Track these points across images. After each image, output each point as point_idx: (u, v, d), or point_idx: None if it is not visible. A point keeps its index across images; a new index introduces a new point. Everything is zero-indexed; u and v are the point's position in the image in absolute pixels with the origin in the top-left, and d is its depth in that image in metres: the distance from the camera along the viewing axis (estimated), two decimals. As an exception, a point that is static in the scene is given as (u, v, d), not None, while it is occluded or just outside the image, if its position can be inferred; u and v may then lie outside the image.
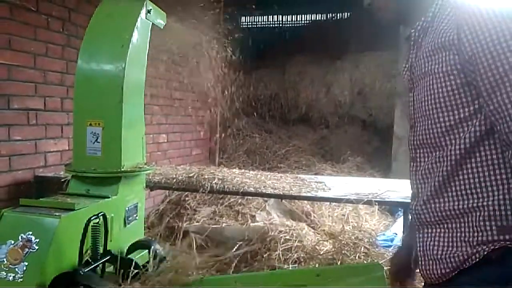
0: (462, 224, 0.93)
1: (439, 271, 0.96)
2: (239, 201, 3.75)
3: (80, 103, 1.89)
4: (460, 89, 0.92)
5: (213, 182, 2.81)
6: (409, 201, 1.14)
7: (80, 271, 1.44)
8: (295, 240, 2.92)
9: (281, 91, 6.37)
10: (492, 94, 0.84)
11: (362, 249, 2.61)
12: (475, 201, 0.91)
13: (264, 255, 2.84)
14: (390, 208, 3.88)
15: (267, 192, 2.76)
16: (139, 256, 1.82)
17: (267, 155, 5.79)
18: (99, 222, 1.56)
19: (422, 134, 1.01)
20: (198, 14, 3.39)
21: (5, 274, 1.42)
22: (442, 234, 0.97)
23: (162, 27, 2.13)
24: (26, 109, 2.73)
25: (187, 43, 3.16)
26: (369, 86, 5.87)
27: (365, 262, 2.48)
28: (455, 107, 0.93)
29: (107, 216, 1.62)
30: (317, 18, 7.41)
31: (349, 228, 3.18)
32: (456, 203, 0.93)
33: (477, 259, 0.89)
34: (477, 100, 0.90)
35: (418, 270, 1.06)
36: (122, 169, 1.83)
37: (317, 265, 2.54)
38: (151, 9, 1.95)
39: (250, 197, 3.58)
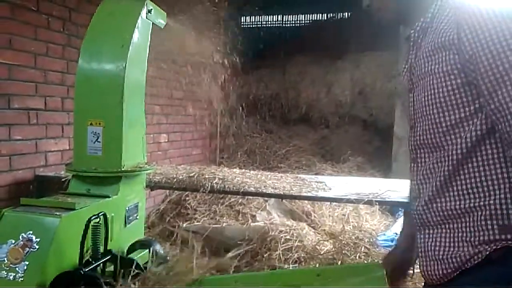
0: (464, 224, 0.93)
1: (440, 272, 0.95)
2: (240, 201, 3.76)
3: (80, 102, 1.89)
4: (461, 89, 0.92)
5: (214, 182, 2.81)
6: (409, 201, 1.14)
7: (81, 271, 1.44)
8: (296, 240, 2.93)
9: (281, 91, 6.37)
10: (493, 93, 0.84)
11: (363, 249, 2.61)
12: (477, 200, 0.91)
13: (265, 255, 2.84)
14: (390, 208, 3.88)
15: (267, 192, 2.76)
16: (139, 256, 1.82)
17: (268, 155, 5.80)
18: (100, 222, 1.56)
19: (423, 134, 1.01)
20: (198, 14, 3.40)
21: (5, 273, 1.42)
22: (443, 235, 0.96)
23: (162, 27, 2.13)
24: (27, 108, 2.73)
25: (188, 43, 3.16)
26: (369, 86, 5.86)
27: (365, 262, 2.48)
28: (455, 106, 0.93)
29: (108, 216, 1.62)
30: (318, 18, 7.41)
31: (350, 228, 3.19)
32: (458, 202, 0.93)
33: (479, 259, 0.89)
34: (478, 99, 0.90)
35: (419, 271, 1.06)
36: (123, 169, 1.83)
37: (317, 265, 2.54)
38: (151, 9, 1.95)
39: (251, 197, 3.58)
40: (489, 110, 0.86)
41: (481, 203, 0.90)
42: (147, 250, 1.84)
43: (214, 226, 3.42)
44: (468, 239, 0.92)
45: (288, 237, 2.96)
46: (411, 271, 1.28)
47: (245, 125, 6.17)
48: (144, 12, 1.91)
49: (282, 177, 3.15)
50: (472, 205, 0.91)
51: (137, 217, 1.99)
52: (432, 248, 0.98)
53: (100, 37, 1.89)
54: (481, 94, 0.88)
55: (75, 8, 3.07)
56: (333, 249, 2.69)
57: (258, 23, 7.54)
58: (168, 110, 4.40)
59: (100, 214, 1.57)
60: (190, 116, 4.88)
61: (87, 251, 1.53)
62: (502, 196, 0.88)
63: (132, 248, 1.85)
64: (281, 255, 2.79)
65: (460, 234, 0.93)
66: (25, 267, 1.41)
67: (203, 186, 2.78)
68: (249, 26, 7.34)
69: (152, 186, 2.87)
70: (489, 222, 0.88)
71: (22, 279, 1.40)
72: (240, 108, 5.50)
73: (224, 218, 3.63)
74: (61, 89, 2.99)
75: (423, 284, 1.07)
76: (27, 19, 2.70)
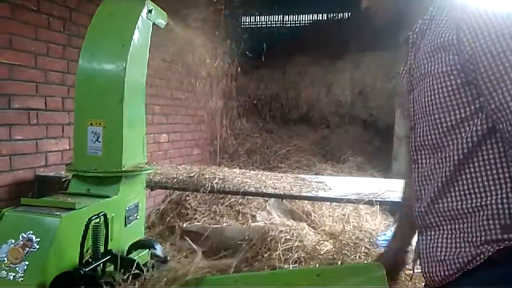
0: (466, 225, 0.92)
1: (442, 273, 0.95)
2: (240, 201, 3.76)
3: (81, 102, 1.89)
4: (461, 89, 0.92)
5: (214, 182, 2.82)
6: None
7: (81, 271, 1.44)
8: (296, 240, 2.92)
9: (281, 91, 6.38)
10: (494, 93, 0.84)
11: (363, 249, 2.61)
12: (479, 200, 0.90)
13: (265, 255, 2.84)
14: (390, 208, 3.87)
15: (267, 192, 2.76)
16: (139, 256, 1.82)
17: (268, 155, 5.80)
18: (100, 222, 1.56)
19: (423, 135, 1.00)
20: (198, 14, 3.40)
21: (5, 273, 1.42)
22: (445, 235, 0.96)
23: (163, 27, 2.13)
24: (27, 108, 2.73)
25: (188, 43, 3.16)
26: (370, 86, 5.87)
27: (365, 262, 2.47)
28: (456, 107, 0.92)
29: (108, 216, 1.62)
30: (318, 18, 7.41)
31: (350, 228, 3.18)
32: (460, 203, 0.93)
33: (482, 260, 0.89)
34: (478, 99, 0.90)
35: (419, 271, 1.06)
36: (123, 169, 1.83)
37: (317, 265, 2.53)
38: (152, 9, 1.95)
39: (251, 197, 3.58)
40: (490, 110, 0.86)
41: (483, 203, 0.90)
42: (147, 250, 1.84)
43: (214, 226, 3.41)
44: (470, 239, 0.91)
45: (288, 237, 2.95)
46: (404, 272, 1.28)
47: (245, 125, 6.18)
48: (144, 12, 1.91)
49: (282, 177, 3.15)
50: (474, 205, 0.91)
51: (137, 217, 1.99)
52: (434, 249, 0.97)
53: (101, 37, 1.89)
54: (481, 93, 0.88)
55: (75, 8, 3.07)
56: (333, 249, 2.69)
57: (258, 23, 7.54)
58: (168, 110, 4.41)
59: (100, 214, 1.57)
60: (191, 116, 4.88)
61: (87, 251, 1.53)
62: (504, 195, 0.87)
63: (133, 248, 1.85)
64: (281, 255, 2.78)
65: (462, 235, 0.93)
66: (25, 267, 1.42)
67: (203, 186, 2.78)
68: (249, 26, 7.34)
69: (152, 186, 2.87)
70: (491, 221, 0.88)
71: (22, 279, 1.41)
72: (241, 108, 5.50)
73: (224, 218, 3.63)
74: (61, 89, 2.99)
75: (423, 284, 1.07)
76: (27, 19, 2.70)
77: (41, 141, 2.85)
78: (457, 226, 0.94)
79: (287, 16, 7.55)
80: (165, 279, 1.54)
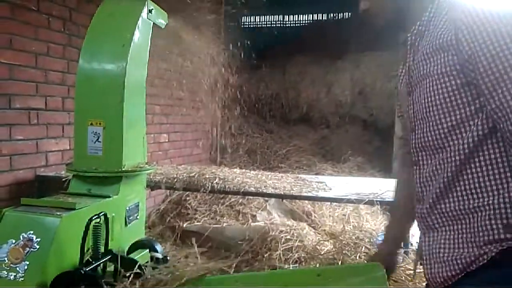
0: (468, 225, 0.92)
1: (445, 274, 0.95)
2: (240, 201, 3.76)
3: (81, 102, 1.89)
4: (460, 89, 0.92)
5: (214, 182, 2.82)
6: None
7: (81, 271, 1.44)
8: (296, 240, 2.92)
9: (281, 91, 6.38)
10: (494, 92, 0.84)
11: (363, 249, 2.61)
12: (480, 200, 0.90)
13: (265, 255, 2.84)
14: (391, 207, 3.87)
15: (268, 192, 2.76)
16: (139, 256, 1.82)
17: (268, 155, 5.80)
18: (100, 222, 1.56)
19: (424, 136, 1.00)
20: (198, 14, 3.39)
21: (6, 273, 1.42)
22: (448, 236, 0.96)
23: (163, 27, 2.13)
24: (28, 108, 2.73)
25: (188, 43, 3.16)
26: (370, 86, 5.87)
27: (365, 262, 2.47)
28: (456, 107, 0.92)
29: (108, 216, 1.62)
30: (318, 18, 7.41)
31: (350, 228, 3.18)
32: (462, 203, 0.93)
33: (485, 261, 0.88)
34: (478, 99, 0.90)
35: (419, 271, 1.06)
36: (123, 169, 1.83)
37: (317, 265, 2.53)
38: (152, 9, 1.95)
39: (251, 197, 3.58)
40: (490, 110, 0.86)
41: (485, 203, 0.90)
42: (148, 250, 1.84)
43: (214, 226, 3.42)
44: (472, 239, 0.91)
45: (288, 237, 2.95)
46: (404, 272, 1.28)
47: (246, 125, 6.18)
48: (144, 12, 1.91)
49: (282, 177, 3.15)
50: (476, 205, 0.91)
51: (138, 217, 1.99)
52: (437, 250, 0.97)
53: (101, 37, 1.89)
54: (481, 93, 0.88)
55: (75, 8, 3.07)
56: (334, 249, 2.69)
57: (258, 23, 7.54)
58: (169, 110, 4.41)
59: (100, 214, 1.57)
60: (191, 116, 4.88)
61: (87, 251, 1.53)
62: (506, 194, 0.87)
63: (133, 248, 1.85)
64: (281, 255, 2.78)
65: (464, 235, 0.93)
66: (26, 267, 1.41)
67: (204, 186, 2.78)
68: (249, 26, 7.34)
69: (152, 186, 2.87)
70: (493, 221, 0.88)
71: (22, 279, 1.40)
72: (241, 108, 5.50)
73: (225, 218, 3.63)
74: (61, 89, 2.99)
75: (424, 284, 1.07)
76: (27, 19, 2.70)
77: (41, 141, 2.85)
78: (459, 226, 0.94)
79: (287, 16, 7.55)
80: (165, 279, 1.54)
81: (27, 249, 1.44)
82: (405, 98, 1.11)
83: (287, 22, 7.61)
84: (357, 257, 2.54)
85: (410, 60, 1.07)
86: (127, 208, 1.89)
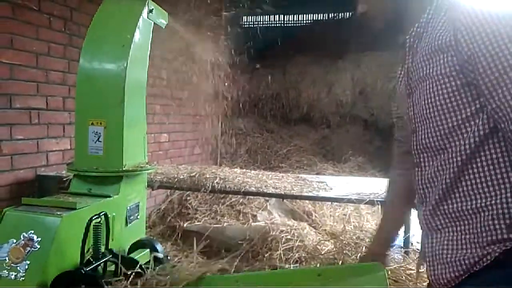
0: (471, 226, 0.92)
1: (448, 275, 0.94)
2: (241, 200, 3.75)
3: (82, 102, 1.89)
4: (460, 90, 0.91)
5: (215, 181, 2.82)
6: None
7: (82, 270, 1.44)
8: (297, 240, 2.92)
9: (282, 91, 6.38)
10: (494, 92, 0.84)
11: (364, 249, 2.60)
12: (483, 200, 0.90)
13: (265, 255, 2.84)
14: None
15: (268, 192, 2.76)
16: (140, 256, 1.83)
17: (269, 154, 5.80)
18: (101, 222, 1.56)
19: (425, 138, 1.00)
20: (199, 13, 3.40)
21: (7, 272, 1.42)
22: (451, 237, 0.95)
23: (164, 27, 2.13)
24: (28, 108, 2.73)
25: (189, 43, 3.16)
26: (370, 86, 5.87)
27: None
28: (456, 108, 0.92)
29: (109, 216, 1.62)
30: (318, 18, 7.41)
31: (351, 228, 3.17)
32: (464, 203, 0.93)
33: (488, 261, 0.88)
34: (478, 100, 0.90)
35: (421, 271, 1.06)
36: (124, 169, 1.83)
37: (318, 265, 2.53)
38: (153, 9, 1.95)
39: (252, 197, 3.58)
40: (491, 110, 0.86)
41: (487, 203, 0.89)
42: (148, 250, 1.84)
43: (215, 226, 3.41)
44: (476, 240, 0.91)
45: (289, 237, 2.95)
46: (405, 272, 1.28)
47: (246, 125, 6.18)
48: (145, 12, 1.91)
49: (283, 177, 3.15)
50: (478, 205, 0.91)
51: (138, 217, 1.99)
52: (440, 252, 0.97)
53: (101, 37, 1.89)
54: (481, 94, 0.88)
55: (76, 8, 3.08)
56: (334, 249, 2.68)
57: (259, 23, 7.54)
58: (169, 110, 4.41)
59: (101, 214, 1.57)
60: (191, 115, 4.89)
61: (88, 251, 1.53)
62: (509, 194, 0.87)
63: (133, 247, 1.85)
64: (282, 255, 2.78)
65: (468, 236, 0.92)
66: (26, 267, 1.42)
67: (204, 186, 2.78)
68: (249, 26, 7.34)
69: (153, 185, 2.87)
70: (496, 221, 0.88)
71: (23, 278, 1.41)
72: (241, 107, 5.50)
73: (225, 218, 3.63)
74: (62, 88, 2.99)
75: (425, 285, 1.07)
76: (28, 18, 2.70)
77: (42, 140, 2.85)
78: (462, 227, 0.94)
79: (287, 16, 7.54)
80: (166, 279, 1.54)
81: (28, 248, 1.44)
82: (404, 100, 1.11)
83: (287, 22, 7.61)
84: (358, 257, 2.53)
85: (409, 62, 1.07)
86: (128, 207, 1.89)
